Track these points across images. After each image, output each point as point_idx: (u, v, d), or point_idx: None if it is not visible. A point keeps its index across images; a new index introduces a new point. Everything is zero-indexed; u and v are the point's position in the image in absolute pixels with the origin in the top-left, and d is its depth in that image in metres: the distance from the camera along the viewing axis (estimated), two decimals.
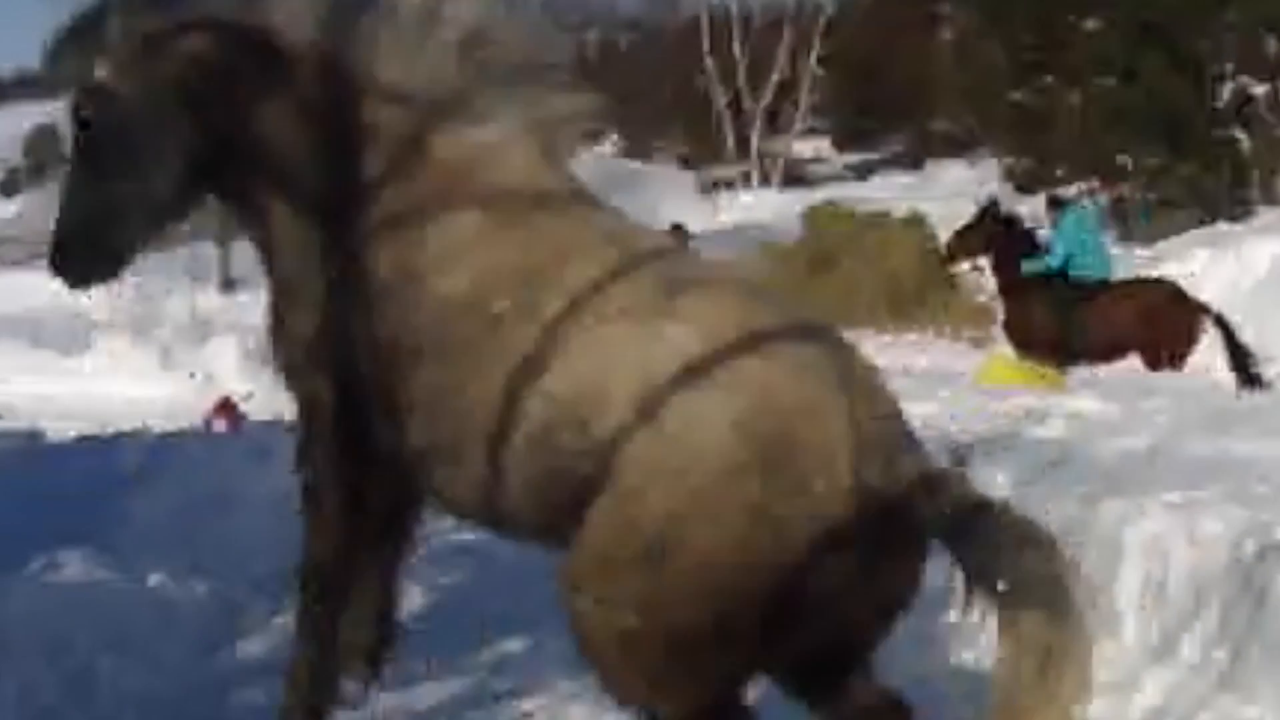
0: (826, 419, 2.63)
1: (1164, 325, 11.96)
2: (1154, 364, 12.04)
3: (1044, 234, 12.86)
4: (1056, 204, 13.01)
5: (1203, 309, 12.24)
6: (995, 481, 6.17)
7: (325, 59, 2.94)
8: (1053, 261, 12.29)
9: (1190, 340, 12.03)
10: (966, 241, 12.97)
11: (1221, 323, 12.02)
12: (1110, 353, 12.25)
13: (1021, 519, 2.74)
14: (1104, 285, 12.39)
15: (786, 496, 2.57)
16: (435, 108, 2.93)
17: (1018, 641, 2.52)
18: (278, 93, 2.93)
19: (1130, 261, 16.60)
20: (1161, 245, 17.35)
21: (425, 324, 2.87)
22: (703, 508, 2.57)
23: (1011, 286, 12.53)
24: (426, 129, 2.94)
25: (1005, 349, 14.27)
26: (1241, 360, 11.79)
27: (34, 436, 10.66)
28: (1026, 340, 12.34)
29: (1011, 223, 12.74)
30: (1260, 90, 20.24)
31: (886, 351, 14.55)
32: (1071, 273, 12.30)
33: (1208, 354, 13.84)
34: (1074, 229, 12.48)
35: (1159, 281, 13.16)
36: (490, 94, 2.94)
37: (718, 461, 2.56)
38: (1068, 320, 12.05)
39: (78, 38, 2.93)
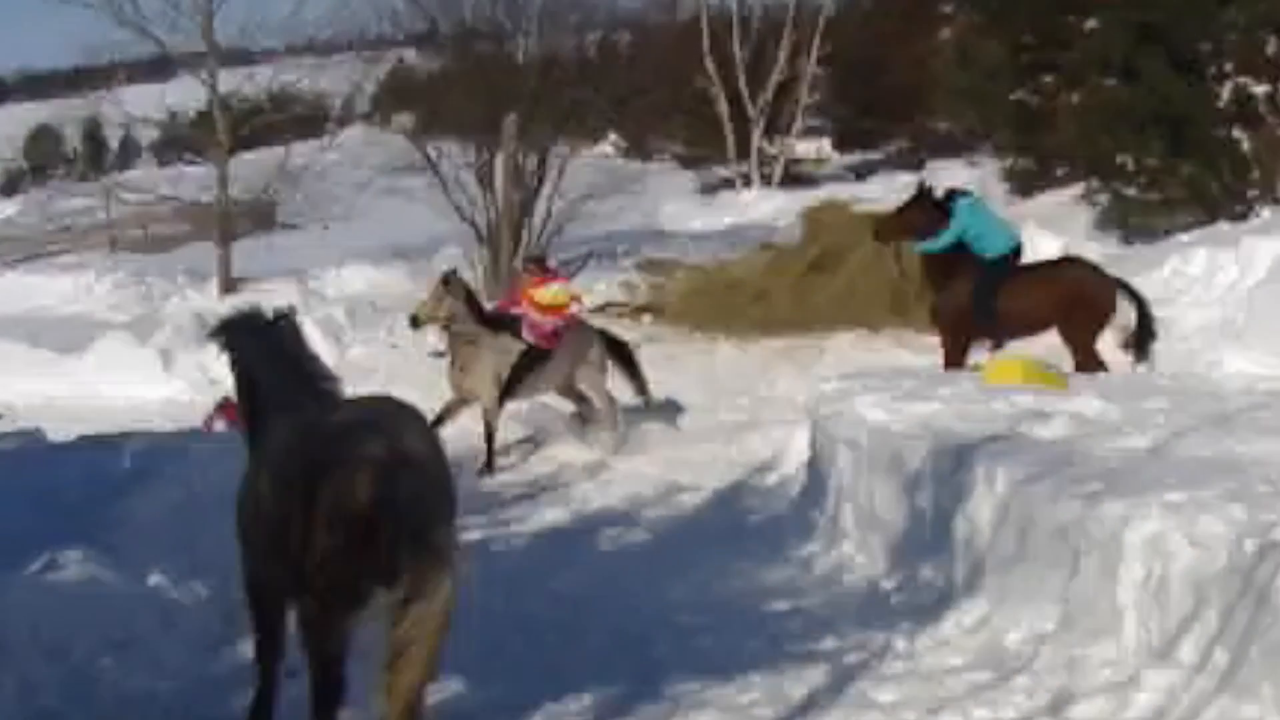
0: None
1: (1081, 301, 12.13)
2: (1072, 340, 12.23)
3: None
4: (949, 195, 12.96)
5: (1119, 284, 12.40)
6: (996, 481, 6.18)
7: None
8: (938, 244, 12.39)
9: (1107, 316, 12.19)
10: (898, 222, 12.98)
11: (1137, 298, 12.23)
12: (1029, 330, 12.43)
13: None
14: (1015, 258, 12.59)
15: None
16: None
17: None
18: None
19: (1130, 261, 16.60)
20: (1161, 245, 17.31)
21: None
22: None
23: (937, 269, 12.56)
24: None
25: (1008, 349, 14.28)
26: (1146, 338, 12.04)
27: (34, 436, 10.66)
28: (951, 322, 12.51)
29: (943, 206, 12.62)
30: (1260, 90, 20.19)
31: (886, 351, 14.55)
32: (982, 255, 12.41)
33: (1211, 352, 13.85)
34: (967, 217, 12.54)
35: (1074, 260, 13.53)
36: None
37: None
38: (987, 301, 12.30)
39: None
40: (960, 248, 12.37)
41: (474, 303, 12.03)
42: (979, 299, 12.24)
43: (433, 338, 13.02)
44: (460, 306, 11.71)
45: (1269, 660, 4.41)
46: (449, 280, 11.88)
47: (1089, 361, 11.96)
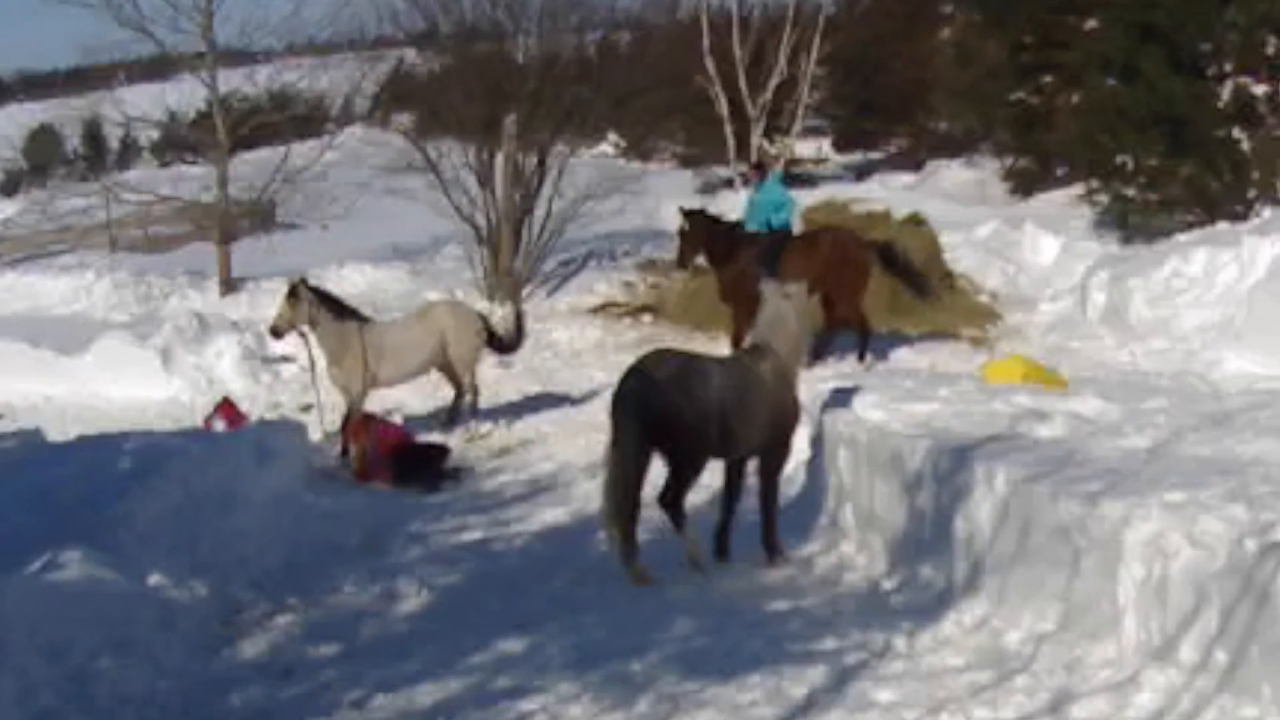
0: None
1: (839, 267, 13.64)
2: (838, 296, 13.68)
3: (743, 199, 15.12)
4: (760, 168, 15.46)
5: (872, 244, 14.17)
6: (996, 481, 6.18)
7: None
8: (788, 216, 14.37)
9: (863, 278, 13.87)
10: (691, 242, 14.53)
11: (887, 256, 13.93)
12: (808, 292, 13.57)
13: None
14: (789, 234, 14.22)
15: None
16: None
17: None
18: None
19: (1130, 261, 16.61)
20: (1161, 245, 17.30)
21: None
22: None
23: (724, 261, 14.07)
24: None
25: (1009, 349, 14.28)
26: (911, 278, 14.15)
27: (34, 436, 10.66)
28: (736, 293, 13.50)
29: (715, 219, 14.84)
30: (1260, 90, 20.18)
31: (887, 351, 14.54)
32: (769, 226, 14.23)
33: (1211, 352, 13.83)
34: (777, 187, 14.69)
35: (833, 229, 15.09)
36: None
37: None
38: (771, 268, 13.27)
39: None
40: (738, 226, 14.42)
41: (330, 301, 12.21)
42: (764, 266, 13.27)
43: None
44: (316, 310, 11.93)
45: (1269, 660, 4.41)
46: (295, 290, 12.04)
47: (854, 315, 13.78)
